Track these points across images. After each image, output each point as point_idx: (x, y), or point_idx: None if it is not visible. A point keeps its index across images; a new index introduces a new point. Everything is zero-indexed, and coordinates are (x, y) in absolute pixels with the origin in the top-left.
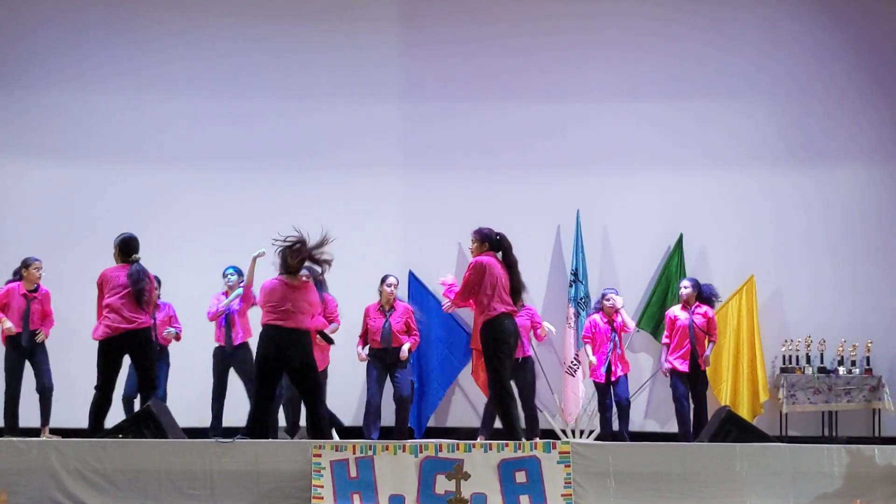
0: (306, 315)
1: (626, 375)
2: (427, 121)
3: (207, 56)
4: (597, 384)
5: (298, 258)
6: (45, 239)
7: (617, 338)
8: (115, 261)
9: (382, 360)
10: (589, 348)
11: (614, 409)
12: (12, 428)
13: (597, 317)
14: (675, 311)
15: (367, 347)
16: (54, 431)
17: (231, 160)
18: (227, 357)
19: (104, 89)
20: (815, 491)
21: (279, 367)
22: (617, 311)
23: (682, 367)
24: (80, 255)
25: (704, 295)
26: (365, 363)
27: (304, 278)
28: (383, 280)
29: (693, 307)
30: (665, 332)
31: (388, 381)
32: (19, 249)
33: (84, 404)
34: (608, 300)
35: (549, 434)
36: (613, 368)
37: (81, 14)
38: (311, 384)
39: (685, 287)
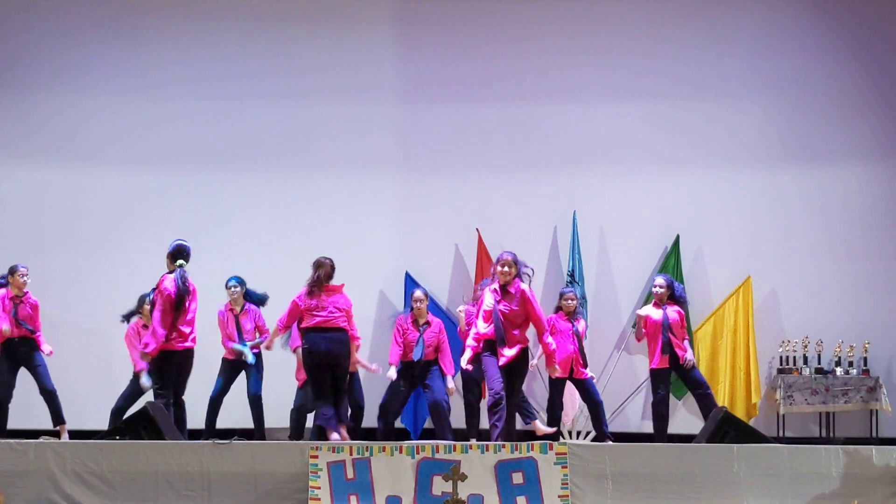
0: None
1: (591, 379)
2: (423, 122)
3: (203, 58)
4: (552, 379)
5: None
6: (37, 240)
7: (579, 341)
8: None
9: (409, 374)
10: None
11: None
12: (1, 430)
13: (554, 317)
14: (648, 310)
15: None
16: (45, 433)
17: (227, 162)
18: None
19: (98, 91)
20: (812, 492)
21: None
22: (578, 318)
23: (663, 363)
24: (72, 257)
25: (676, 294)
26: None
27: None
28: (413, 297)
29: (665, 306)
30: (642, 332)
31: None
32: (11, 250)
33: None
34: (568, 300)
35: (546, 435)
36: (575, 368)
37: (76, 17)
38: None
39: (659, 287)
